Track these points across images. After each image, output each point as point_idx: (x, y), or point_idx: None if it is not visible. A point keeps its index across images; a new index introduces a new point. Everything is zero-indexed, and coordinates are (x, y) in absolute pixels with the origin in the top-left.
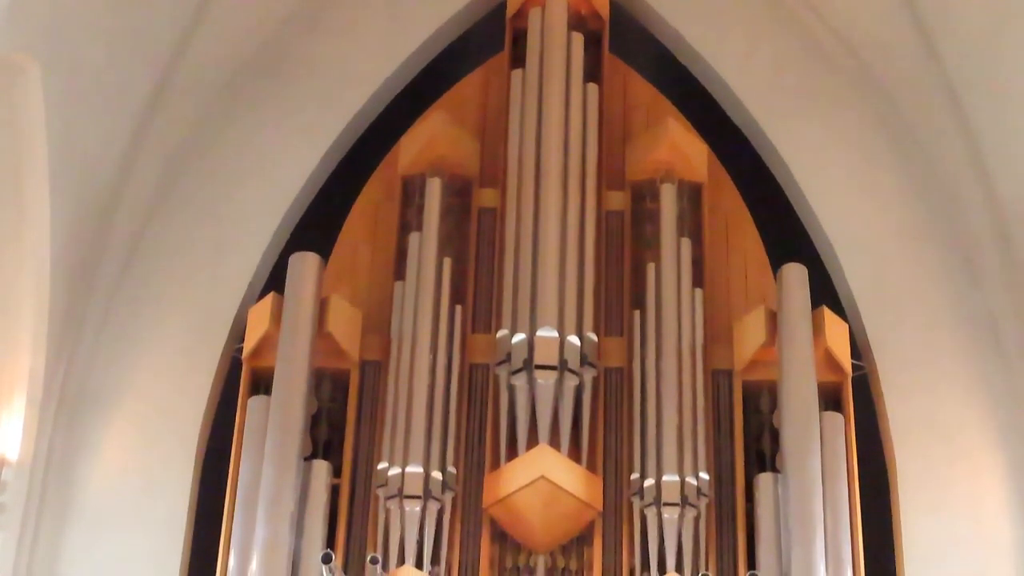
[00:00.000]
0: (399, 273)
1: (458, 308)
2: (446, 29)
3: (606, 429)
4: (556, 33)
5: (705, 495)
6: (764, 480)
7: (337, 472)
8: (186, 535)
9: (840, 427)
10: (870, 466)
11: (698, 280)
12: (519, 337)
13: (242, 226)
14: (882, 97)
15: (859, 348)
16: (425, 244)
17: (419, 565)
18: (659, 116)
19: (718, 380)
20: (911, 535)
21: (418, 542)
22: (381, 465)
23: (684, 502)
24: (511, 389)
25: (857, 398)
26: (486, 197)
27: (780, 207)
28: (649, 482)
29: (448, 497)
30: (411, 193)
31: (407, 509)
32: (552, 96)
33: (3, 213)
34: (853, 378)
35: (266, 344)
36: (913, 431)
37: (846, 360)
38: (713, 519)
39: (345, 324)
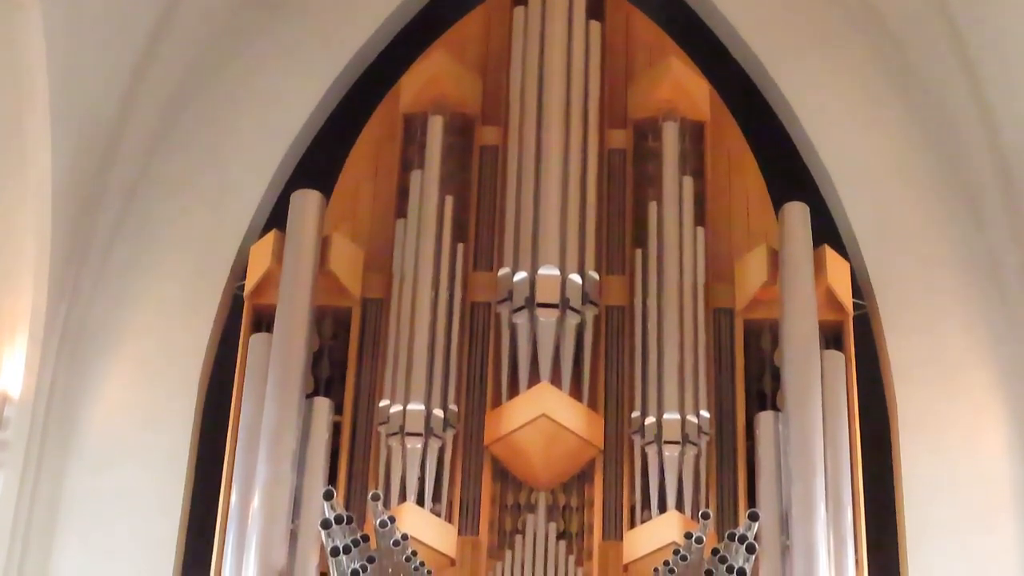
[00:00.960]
0: (401, 211)
1: (460, 246)
2: None
3: (607, 367)
4: None
5: (706, 433)
6: (764, 418)
7: (339, 409)
8: (188, 472)
9: (841, 366)
10: (870, 405)
11: (700, 219)
12: (521, 275)
13: (244, 164)
14: (886, 36)
15: (860, 287)
16: (427, 182)
17: (420, 502)
18: (661, 54)
19: (719, 319)
20: (910, 473)
21: (419, 479)
22: (383, 403)
23: (685, 440)
24: (513, 327)
25: (858, 337)
26: (488, 135)
27: (782, 146)
28: (650, 420)
29: (449, 435)
30: (413, 131)
31: (408, 446)
32: (554, 34)
33: (4, 151)
34: (854, 317)
35: (267, 282)
36: (913, 370)
37: (847, 299)
38: (713, 457)
39: (346, 262)
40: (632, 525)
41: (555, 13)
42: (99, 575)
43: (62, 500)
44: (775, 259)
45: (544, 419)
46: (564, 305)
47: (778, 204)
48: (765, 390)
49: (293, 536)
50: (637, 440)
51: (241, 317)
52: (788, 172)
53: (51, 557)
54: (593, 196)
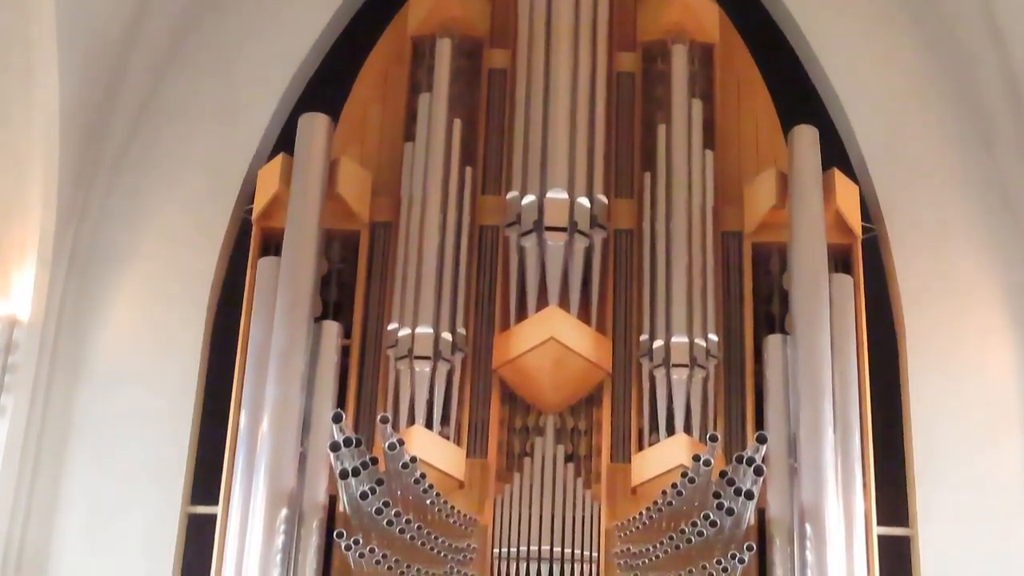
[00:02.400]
0: (409, 134)
1: (468, 169)
2: None
3: (615, 291)
4: None
5: (714, 356)
6: (773, 342)
7: (347, 333)
8: (197, 394)
9: (849, 289)
10: (879, 328)
11: (709, 142)
12: (529, 199)
13: (252, 86)
14: None
15: (869, 210)
16: (435, 105)
17: (429, 425)
18: None
19: (728, 242)
20: (918, 396)
21: (428, 402)
22: (391, 326)
23: (693, 363)
24: (521, 251)
25: (867, 260)
26: (496, 58)
27: (792, 68)
28: (658, 343)
29: (458, 358)
30: (421, 54)
31: (417, 370)
32: None
33: (12, 74)
34: (863, 240)
35: (276, 205)
36: (922, 293)
37: (856, 222)
38: (722, 380)
39: (355, 185)
40: (640, 448)
41: None
42: (109, 496)
43: (72, 422)
44: (784, 182)
45: (552, 342)
46: (572, 228)
47: (787, 127)
48: (773, 313)
49: (302, 459)
50: (645, 363)
51: (249, 240)
52: (797, 95)
53: (61, 478)
54: (602, 119)
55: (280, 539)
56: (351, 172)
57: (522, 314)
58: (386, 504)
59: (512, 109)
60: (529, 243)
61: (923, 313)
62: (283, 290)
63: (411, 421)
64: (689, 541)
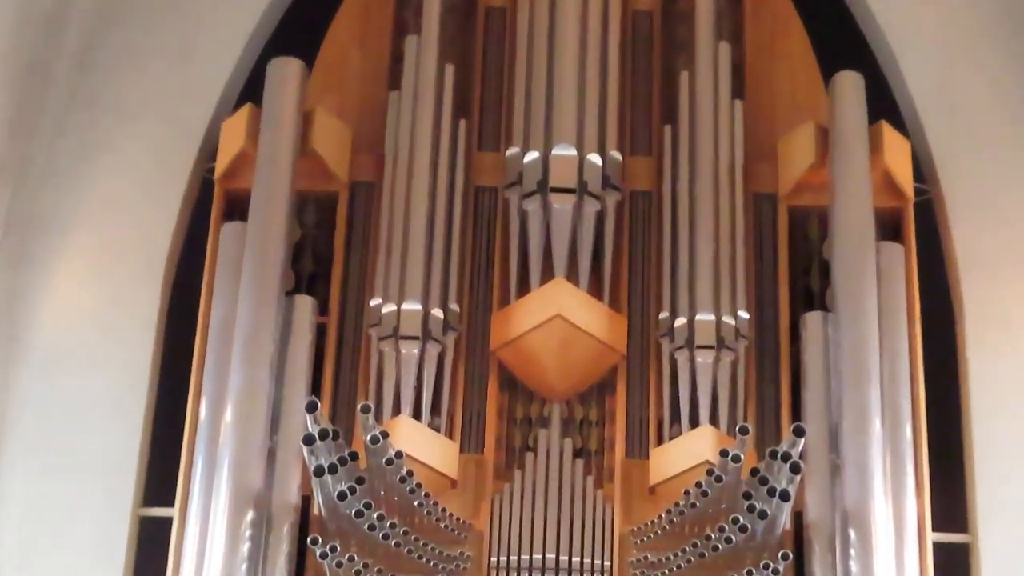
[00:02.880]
0: (394, 82)
1: (462, 122)
2: None
3: (631, 261)
4: None
5: (744, 337)
6: (812, 319)
7: (323, 309)
8: (151, 381)
9: (900, 259)
10: (933, 303)
11: (738, 91)
12: (532, 156)
13: (214, 27)
14: None
15: (922, 169)
16: (424, 48)
17: (417, 415)
18: None
19: (760, 205)
20: (979, 381)
21: (416, 389)
22: (374, 301)
23: (720, 344)
24: (523, 215)
25: (919, 226)
26: None
27: (833, 6)
28: (680, 322)
29: (450, 338)
30: None
31: (403, 351)
32: None
33: None
34: (915, 203)
35: (242, 163)
36: (982, 263)
37: (907, 183)
38: (753, 364)
39: (332, 140)
40: (659, 442)
41: None
42: (49, 497)
43: (7, 412)
44: (824, 137)
45: (559, 320)
46: (582, 190)
47: (828, 74)
48: (812, 287)
49: (271, 454)
50: (665, 344)
51: (211, 203)
52: (840, 38)
53: None
54: (615, 65)
55: (246, 546)
56: (328, 125)
57: (524, 288)
58: (367, 506)
59: (512, 53)
60: (532, 207)
61: (983, 285)
62: (250, 260)
63: (396, 411)
64: (715, 549)
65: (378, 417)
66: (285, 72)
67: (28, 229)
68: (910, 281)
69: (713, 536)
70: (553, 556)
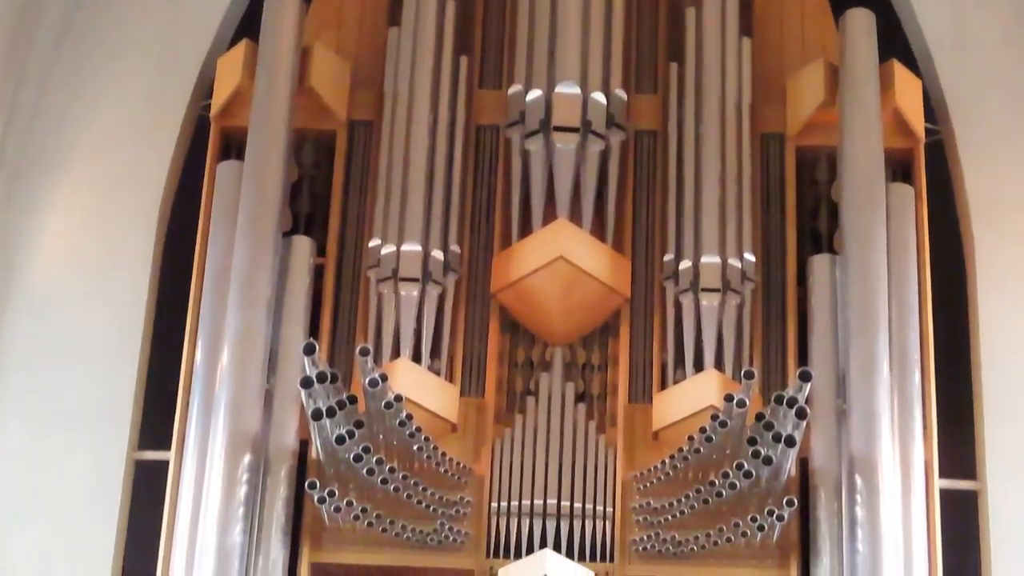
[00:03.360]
0: (394, 18)
1: (463, 59)
2: None
3: (636, 202)
4: None
5: (750, 279)
6: (819, 262)
7: (321, 250)
8: (146, 323)
9: (910, 201)
10: (943, 246)
11: (746, 28)
12: (535, 94)
13: None
14: None
15: (934, 109)
16: None
17: (416, 358)
18: None
19: (768, 145)
20: (989, 326)
21: (416, 331)
22: (372, 242)
23: (726, 287)
24: (525, 155)
25: (930, 167)
26: None
27: None
28: (685, 264)
29: (451, 280)
30: None
31: (403, 294)
32: None
33: None
34: (926, 144)
35: (238, 100)
36: (994, 205)
37: (918, 123)
38: (759, 307)
39: (331, 77)
40: (663, 386)
41: None
42: (43, 441)
43: (1, 355)
44: (834, 76)
45: (561, 262)
46: (585, 129)
47: (838, 12)
48: (820, 229)
49: (268, 397)
50: (670, 287)
51: (207, 142)
52: None
53: None
54: (620, 1)
55: (242, 490)
56: (326, 62)
57: (526, 229)
58: (366, 450)
59: None
60: (534, 146)
61: (995, 229)
62: (246, 200)
63: (396, 353)
64: (719, 495)
65: (377, 360)
66: (283, 7)
67: (20, 169)
68: (920, 223)
69: (717, 482)
70: (554, 501)
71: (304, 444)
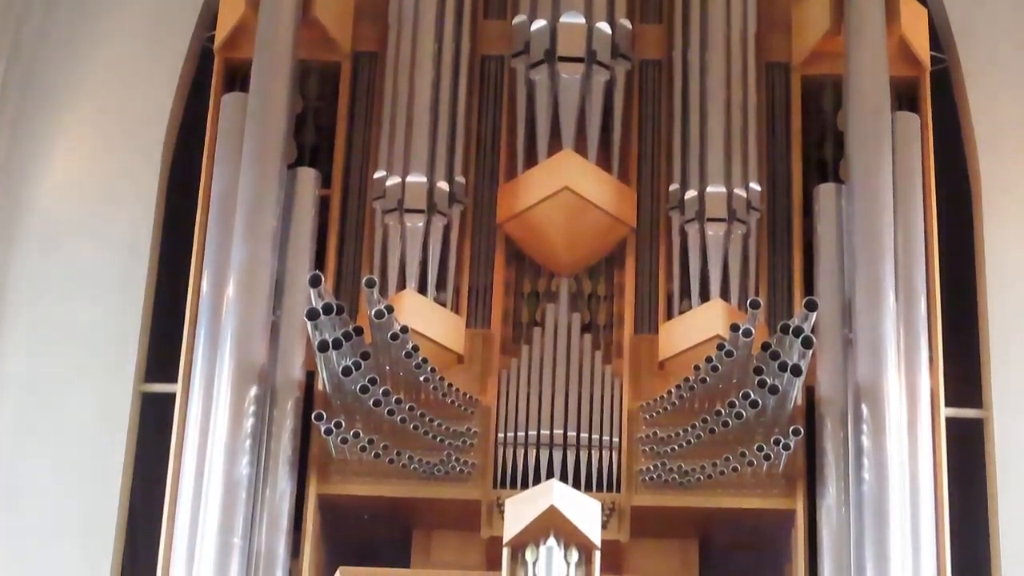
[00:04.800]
0: None
1: None
2: None
3: (641, 132)
4: None
5: (756, 209)
6: (825, 192)
7: (326, 182)
8: (151, 254)
9: (916, 130)
10: (950, 175)
11: None
12: (539, 23)
13: None
14: None
15: (940, 37)
16: None
17: (422, 289)
18: None
19: (773, 74)
20: (995, 256)
21: (421, 263)
22: (378, 174)
23: (731, 217)
24: (530, 85)
25: (936, 96)
26: None
27: None
28: (691, 194)
29: (456, 211)
30: None
31: (408, 225)
32: None
33: None
34: (932, 72)
35: (242, 32)
36: (1000, 135)
37: (924, 51)
38: (765, 237)
39: (335, 8)
40: (669, 316)
41: None
42: (49, 374)
43: (6, 287)
44: (839, 4)
45: (567, 192)
46: (590, 59)
47: None
48: (826, 159)
49: (274, 328)
50: (675, 217)
51: (211, 74)
52: None
53: None
54: None
55: (249, 422)
56: None
57: (531, 160)
58: (372, 381)
59: None
60: (539, 76)
61: (1002, 159)
62: (251, 132)
63: (402, 285)
64: (726, 424)
65: (383, 291)
66: None
67: (24, 103)
68: (926, 152)
69: (723, 411)
70: (561, 432)
71: (311, 376)
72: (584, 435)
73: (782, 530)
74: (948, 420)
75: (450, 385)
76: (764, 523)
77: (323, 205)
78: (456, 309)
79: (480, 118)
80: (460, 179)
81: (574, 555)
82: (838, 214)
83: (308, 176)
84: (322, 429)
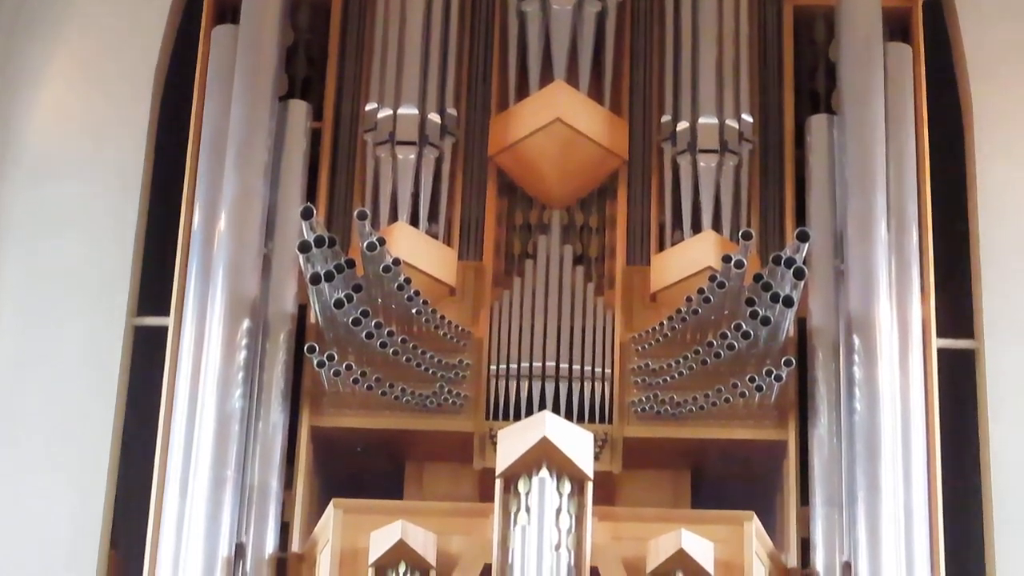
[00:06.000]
0: None
1: None
2: None
3: (632, 63)
4: None
5: (748, 140)
6: (817, 122)
7: (318, 114)
8: (142, 187)
9: (908, 60)
10: (941, 106)
11: None
12: None
13: None
14: None
15: None
16: None
17: (414, 222)
18: None
19: (765, 5)
20: (986, 185)
21: (413, 195)
22: (369, 106)
23: (723, 148)
24: (521, 16)
25: (928, 26)
26: None
27: None
28: (683, 125)
29: (448, 143)
30: None
31: (400, 157)
32: None
33: None
34: (924, 2)
35: None
36: (993, 65)
37: None
38: (757, 168)
39: None
40: (661, 248)
41: None
42: (41, 308)
43: None
44: None
45: (558, 124)
46: None
47: None
48: (818, 89)
49: (266, 261)
50: (667, 148)
51: (202, 6)
52: None
53: None
54: None
55: (242, 355)
56: None
57: (523, 92)
58: (365, 314)
59: None
60: (531, 7)
61: (993, 89)
62: (242, 64)
63: (393, 217)
64: (718, 355)
65: (375, 224)
66: None
67: (14, 34)
68: (918, 83)
69: (715, 342)
70: (553, 364)
71: (303, 308)
72: (576, 367)
73: (774, 460)
74: (939, 351)
75: (442, 317)
76: (756, 454)
77: (314, 138)
78: (448, 241)
79: (472, 50)
80: (452, 111)
81: (566, 486)
82: (830, 145)
83: (299, 108)
84: (315, 362)
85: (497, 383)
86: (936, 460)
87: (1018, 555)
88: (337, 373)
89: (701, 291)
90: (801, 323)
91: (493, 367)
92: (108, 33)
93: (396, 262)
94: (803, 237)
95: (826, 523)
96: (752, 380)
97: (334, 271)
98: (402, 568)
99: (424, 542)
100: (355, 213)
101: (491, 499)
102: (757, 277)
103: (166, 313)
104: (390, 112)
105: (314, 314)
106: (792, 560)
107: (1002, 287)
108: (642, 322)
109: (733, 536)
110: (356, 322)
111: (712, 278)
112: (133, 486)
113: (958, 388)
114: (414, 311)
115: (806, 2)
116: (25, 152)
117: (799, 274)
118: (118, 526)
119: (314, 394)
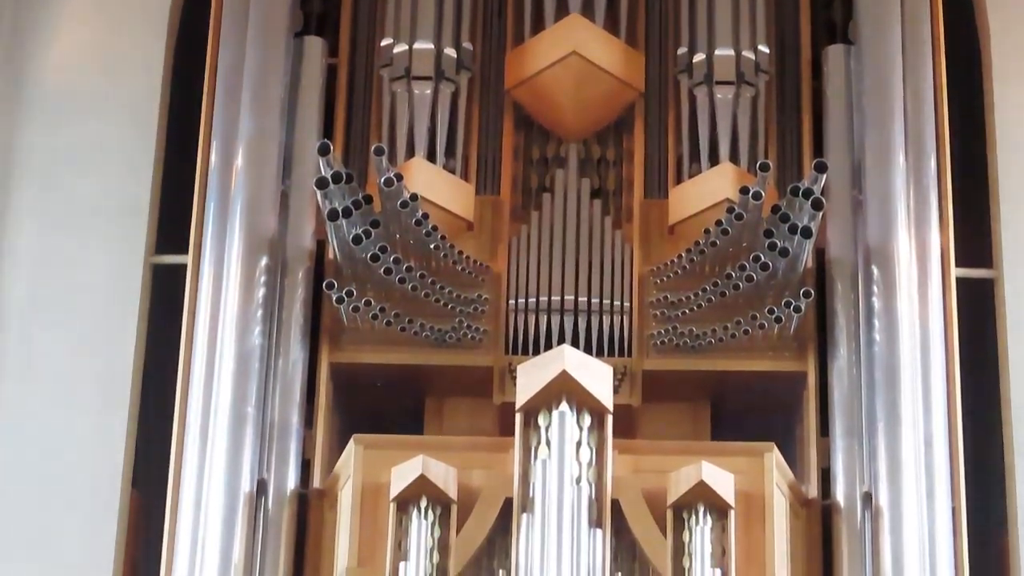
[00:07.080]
0: None
1: None
2: None
3: None
4: None
5: (765, 71)
6: (834, 53)
7: (333, 51)
8: (159, 125)
9: None
10: (959, 35)
11: None
12: None
13: None
14: None
15: None
16: None
17: (431, 157)
18: None
19: None
20: (1005, 115)
21: (430, 130)
22: (385, 41)
23: (740, 80)
24: None
25: None
26: None
27: None
28: (699, 57)
29: (464, 78)
30: None
31: (416, 92)
32: None
33: None
34: None
35: None
36: None
37: None
38: (774, 99)
39: None
40: (678, 180)
41: None
42: (58, 247)
43: (12, 160)
44: None
45: (575, 57)
46: None
47: None
48: (835, 19)
49: (284, 198)
50: (684, 81)
51: None
52: None
53: (2, 227)
54: None
55: (260, 292)
56: None
57: (539, 25)
58: (383, 249)
59: None
60: None
61: (1011, 16)
62: (257, 1)
63: (410, 153)
64: (736, 287)
65: (392, 159)
66: None
67: None
68: (935, 11)
69: (734, 275)
70: (572, 297)
71: (321, 245)
72: (595, 300)
73: (793, 392)
74: (958, 280)
75: (460, 252)
76: (775, 385)
77: (330, 74)
78: (465, 176)
79: None
80: (467, 45)
81: (586, 419)
82: (847, 75)
83: (315, 45)
84: (333, 298)
85: (516, 317)
86: (956, 390)
87: None
88: (356, 309)
89: (719, 223)
90: (819, 254)
91: (512, 301)
92: None
93: (414, 197)
94: (820, 168)
95: (846, 454)
96: (771, 312)
97: (352, 207)
98: (423, 503)
99: (445, 477)
100: (372, 149)
101: (511, 433)
102: (775, 208)
103: (184, 251)
104: (406, 47)
105: (332, 250)
106: (812, 491)
107: (1020, 216)
108: (660, 255)
109: (753, 468)
110: (374, 258)
111: (730, 210)
112: (154, 425)
113: (977, 318)
114: (432, 246)
115: None
116: (42, 92)
117: (817, 205)
118: (139, 465)
119: (333, 331)
